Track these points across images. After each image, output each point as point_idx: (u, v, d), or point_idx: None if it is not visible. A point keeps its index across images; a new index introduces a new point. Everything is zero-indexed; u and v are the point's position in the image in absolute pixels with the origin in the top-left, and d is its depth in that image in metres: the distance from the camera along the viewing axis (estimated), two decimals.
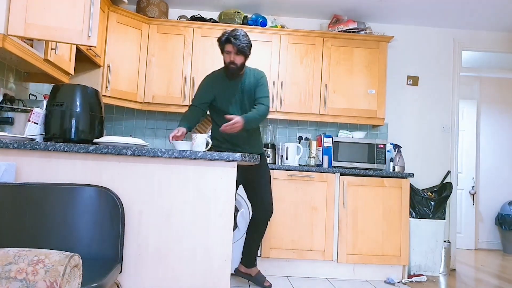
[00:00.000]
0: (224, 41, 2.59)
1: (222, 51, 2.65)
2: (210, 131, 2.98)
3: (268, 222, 2.87)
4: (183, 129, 2.47)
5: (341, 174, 3.33)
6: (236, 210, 3.17)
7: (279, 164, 3.53)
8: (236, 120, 2.39)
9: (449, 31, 4.10)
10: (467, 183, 5.13)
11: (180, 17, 3.76)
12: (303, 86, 3.65)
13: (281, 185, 3.27)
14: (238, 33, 2.57)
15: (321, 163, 3.58)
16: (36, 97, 2.80)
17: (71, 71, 2.66)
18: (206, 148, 2.12)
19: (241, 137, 2.66)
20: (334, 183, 3.31)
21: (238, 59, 2.59)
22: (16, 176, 1.71)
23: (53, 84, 2.23)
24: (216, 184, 1.79)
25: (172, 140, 2.36)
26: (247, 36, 2.61)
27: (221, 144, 2.74)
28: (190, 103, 2.80)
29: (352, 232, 3.29)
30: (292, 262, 3.28)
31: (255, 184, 2.82)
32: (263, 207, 2.81)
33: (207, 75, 2.83)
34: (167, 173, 1.78)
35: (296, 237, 3.25)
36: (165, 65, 3.59)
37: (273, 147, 3.71)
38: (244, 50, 2.58)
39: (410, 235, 3.51)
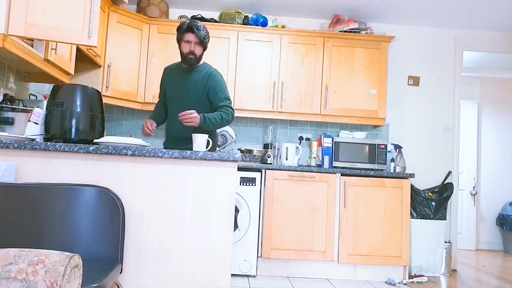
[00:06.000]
0: (185, 30, 2.49)
1: (180, 40, 2.54)
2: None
3: None
4: (154, 122, 2.57)
5: (342, 175, 3.33)
6: (237, 210, 3.17)
7: (279, 164, 3.52)
8: (192, 111, 2.33)
9: (450, 31, 4.09)
10: (468, 184, 5.12)
11: (181, 17, 3.75)
12: (303, 86, 3.65)
13: (281, 186, 3.26)
14: (199, 24, 2.51)
15: (321, 163, 3.57)
16: (36, 97, 2.80)
17: (72, 71, 2.66)
18: (207, 148, 2.12)
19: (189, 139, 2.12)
20: (335, 183, 3.30)
21: (198, 50, 2.52)
22: (16, 176, 1.70)
23: (53, 84, 2.23)
24: (216, 184, 1.79)
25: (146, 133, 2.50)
26: (206, 28, 2.56)
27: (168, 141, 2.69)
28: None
29: (353, 232, 3.28)
30: (292, 262, 3.28)
31: None
32: None
33: (165, 67, 2.82)
34: (168, 173, 1.77)
35: (297, 238, 3.24)
36: (166, 65, 3.57)
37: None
38: (205, 41, 2.53)
39: (411, 236, 3.51)
